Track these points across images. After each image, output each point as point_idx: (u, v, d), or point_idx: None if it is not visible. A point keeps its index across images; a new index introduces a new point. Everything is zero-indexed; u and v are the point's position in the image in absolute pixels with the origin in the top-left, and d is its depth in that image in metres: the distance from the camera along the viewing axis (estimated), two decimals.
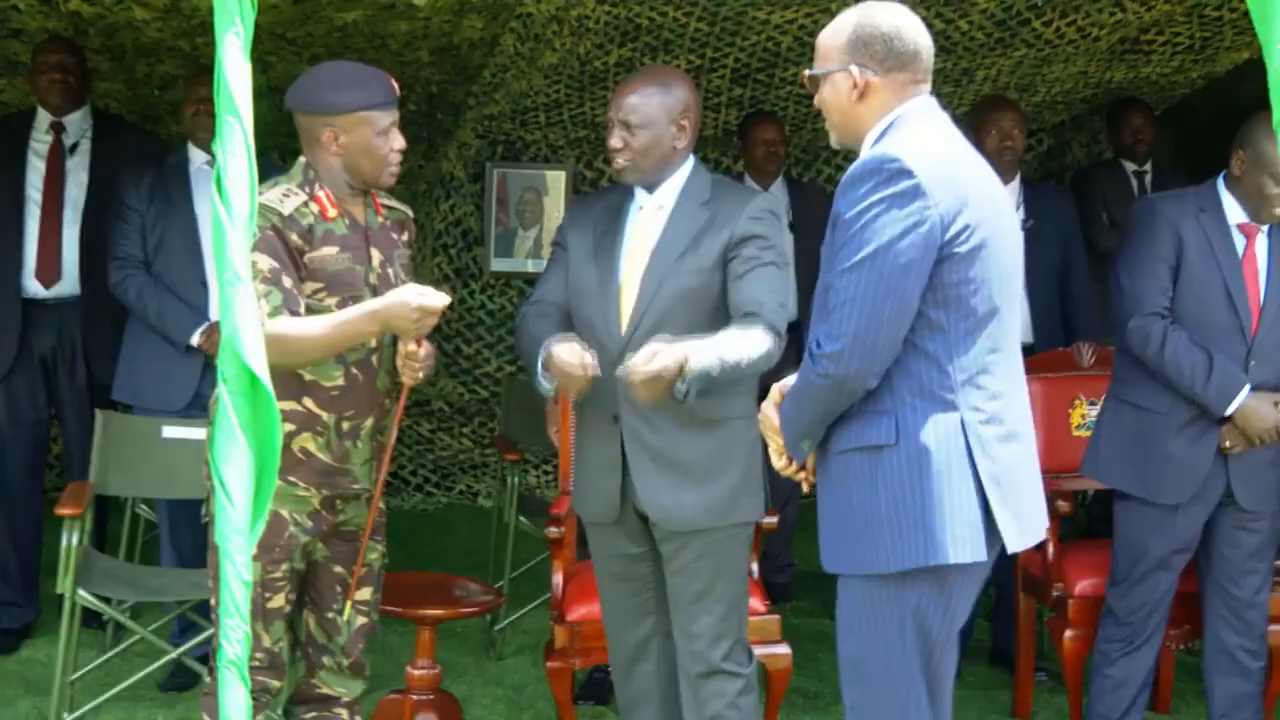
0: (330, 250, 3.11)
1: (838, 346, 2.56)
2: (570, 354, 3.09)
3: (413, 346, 3.11)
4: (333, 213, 3.13)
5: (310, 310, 3.09)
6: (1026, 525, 2.69)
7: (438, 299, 3.03)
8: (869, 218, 2.55)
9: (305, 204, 3.11)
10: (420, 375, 3.13)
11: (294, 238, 3.06)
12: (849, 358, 2.56)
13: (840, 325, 2.56)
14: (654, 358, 2.90)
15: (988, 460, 2.61)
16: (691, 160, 3.33)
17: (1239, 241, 3.73)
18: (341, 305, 3.10)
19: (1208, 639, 3.88)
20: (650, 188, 3.31)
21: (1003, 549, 2.66)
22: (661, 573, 3.37)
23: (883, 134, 2.68)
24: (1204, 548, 3.83)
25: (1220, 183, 3.78)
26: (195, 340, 4.28)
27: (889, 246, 2.53)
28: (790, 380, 2.76)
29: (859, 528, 2.64)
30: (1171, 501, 3.73)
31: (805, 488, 2.83)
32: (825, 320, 2.61)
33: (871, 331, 2.55)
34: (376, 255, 3.19)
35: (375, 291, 3.14)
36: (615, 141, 3.25)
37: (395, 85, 3.17)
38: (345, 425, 3.16)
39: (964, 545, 2.59)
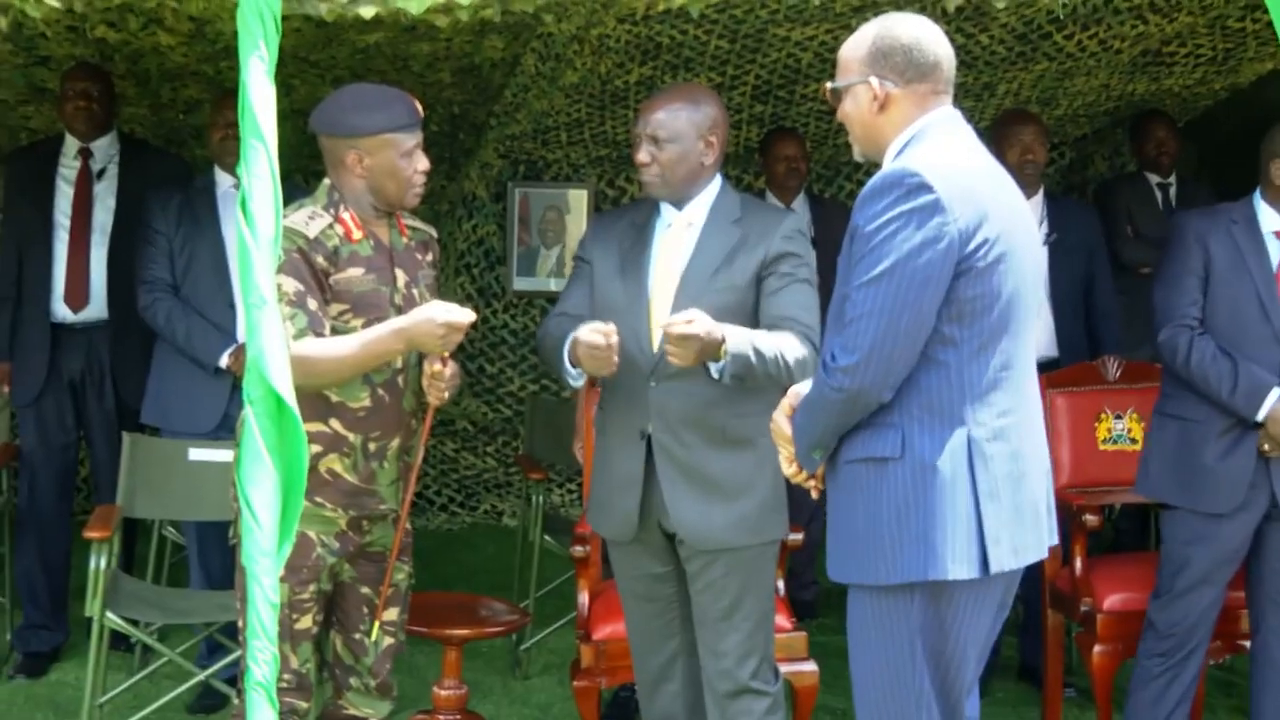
0: (355, 272, 3.13)
1: (853, 360, 2.56)
2: (593, 333, 3.10)
3: (438, 366, 3.12)
4: (358, 234, 3.15)
5: (336, 332, 3.10)
6: (1023, 543, 2.67)
7: (463, 315, 3.05)
8: (888, 232, 2.55)
9: (330, 226, 3.12)
10: (446, 395, 3.14)
11: (319, 260, 3.08)
12: (864, 371, 2.56)
13: (856, 339, 2.56)
14: (693, 322, 2.98)
15: (988, 477, 2.61)
16: (719, 178, 3.34)
17: (1274, 249, 3.72)
18: (367, 326, 3.11)
19: (1257, 654, 3.81)
20: (678, 204, 3.31)
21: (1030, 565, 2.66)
22: (686, 591, 3.36)
23: (904, 146, 2.68)
24: (1253, 560, 3.78)
25: (1257, 194, 3.79)
26: (223, 362, 4.30)
27: (907, 261, 2.53)
28: (802, 389, 2.76)
29: (863, 538, 2.65)
30: (1214, 510, 3.69)
31: (814, 494, 2.84)
32: (840, 333, 2.60)
33: (887, 345, 2.55)
34: (401, 276, 3.20)
35: (400, 312, 3.15)
36: (643, 156, 3.25)
37: (419, 107, 3.18)
38: (372, 446, 3.17)
39: (962, 562, 2.59)
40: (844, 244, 2.69)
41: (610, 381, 3.29)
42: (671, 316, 3.05)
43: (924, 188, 2.55)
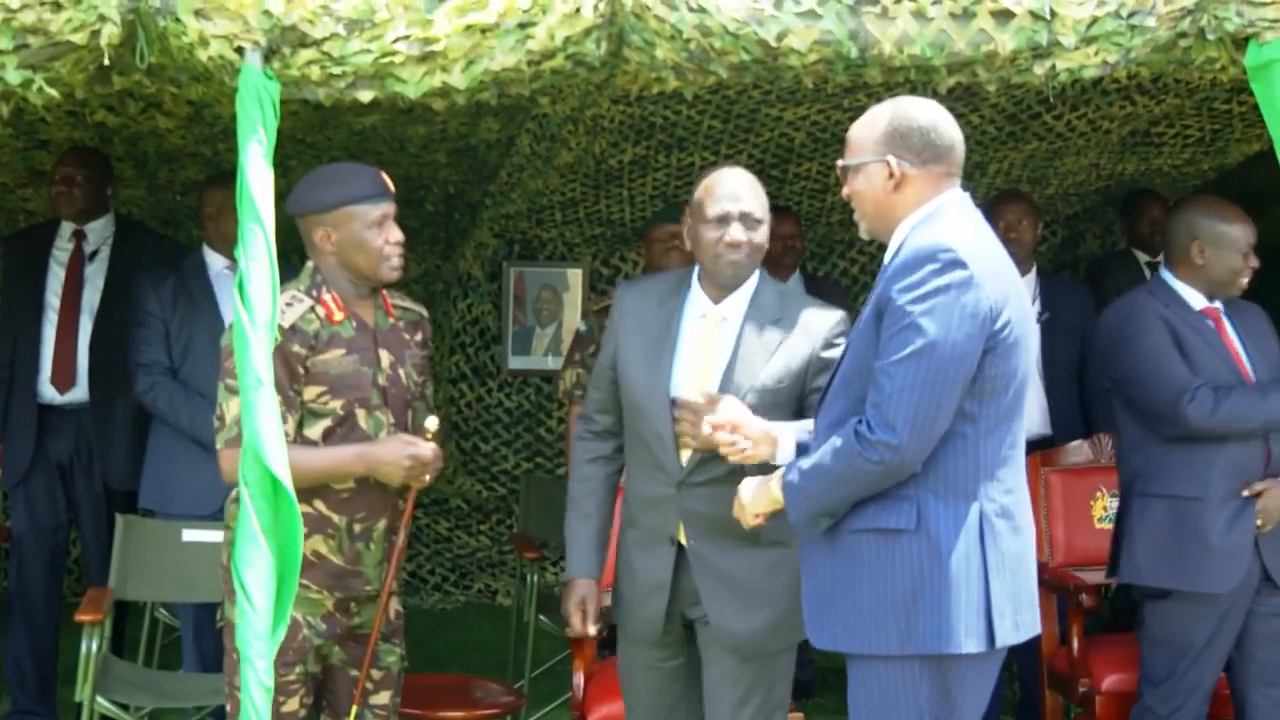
0: (336, 353, 3.12)
1: (895, 437, 2.57)
2: (577, 617, 3.23)
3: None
4: (339, 315, 3.14)
5: (313, 414, 3.10)
6: (1023, 620, 2.70)
7: (428, 450, 3.07)
8: (925, 307, 2.57)
9: (311, 309, 3.12)
10: (427, 479, 3.13)
11: (295, 348, 3.07)
12: (906, 446, 2.57)
13: (896, 413, 2.57)
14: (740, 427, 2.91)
15: (996, 552, 2.64)
16: (759, 270, 3.22)
17: (1210, 326, 3.75)
18: (346, 408, 3.11)
19: None
20: (720, 295, 3.16)
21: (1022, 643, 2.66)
22: (698, 681, 3.28)
23: (920, 223, 2.70)
24: (1238, 645, 3.74)
25: (1167, 274, 3.80)
26: None
27: (946, 337, 2.56)
28: (774, 428, 2.82)
29: (869, 608, 2.65)
30: (1220, 590, 3.64)
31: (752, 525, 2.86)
32: (877, 408, 2.59)
33: (927, 420, 2.57)
34: (386, 356, 3.19)
35: (384, 393, 3.15)
36: (738, 236, 3.09)
37: (385, 178, 3.17)
38: (357, 528, 3.16)
39: (972, 635, 2.62)
40: (865, 313, 2.70)
41: (635, 478, 3.24)
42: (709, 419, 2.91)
43: (959, 263, 2.58)
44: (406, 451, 3.06)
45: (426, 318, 3.37)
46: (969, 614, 2.60)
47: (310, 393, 3.10)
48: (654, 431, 3.14)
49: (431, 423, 3.16)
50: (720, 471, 3.07)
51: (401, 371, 3.21)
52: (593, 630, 3.25)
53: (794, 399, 3.13)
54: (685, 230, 3.23)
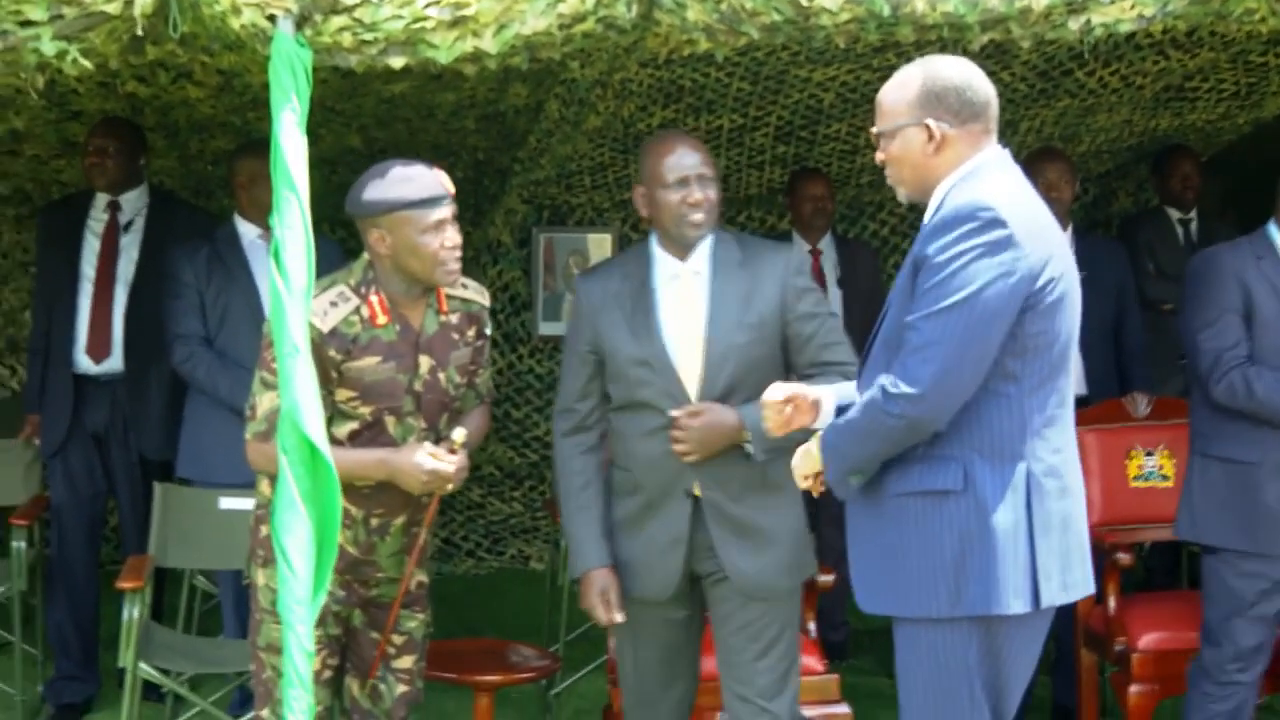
0: (371, 361, 3.08)
1: (918, 389, 2.56)
2: (602, 609, 3.26)
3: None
4: (383, 319, 3.09)
5: (343, 415, 3.09)
6: (1072, 580, 2.70)
7: (448, 466, 3.05)
8: (960, 264, 2.56)
9: (355, 310, 3.07)
10: (450, 487, 3.11)
11: (331, 353, 3.04)
12: (928, 400, 2.57)
13: (921, 367, 2.57)
14: (702, 414, 3.13)
15: (1043, 512, 2.63)
16: None
17: None
18: (376, 414, 3.10)
19: None
20: (683, 253, 3.29)
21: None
22: (698, 636, 3.39)
23: (959, 182, 2.68)
24: None
25: (1271, 228, 3.75)
26: None
27: (979, 294, 2.55)
28: (814, 392, 2.81)
29: (917, 571, 2.65)
30: (1273, 551, 3.63)
31: (816, 493, 2.88)
32: (901, 361, 2.60)
33: (952, 376, 2.56)
34: (426, 362, 3.14)
35: (419, 400, 3.13)
36: (700, 196, 3.23)
37: (444, 180, 3.09)
38: (374, 522, 3.16)
39: (1020, 596, 2.61)
40: (903, 272, 2.70)
41: (639, 444, 3.29)
42: (677, 417, 3.16)
43: (998, 222, 2.57)
44: (427, 465, 3.03)
45: (486, 305, 3.28)
46: (1016, 574, 2.60)
47: (341, 395, 3.08)
48: (661, 390, 3.23)
49: (459, 434, 3.11)
50: None
51: (441, 375, 3.16)
52: (619, 617, 3.28)
53: (777, 333, 3.25)
54: (639, 199, 3.33)
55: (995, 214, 2.57)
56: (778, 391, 2.82)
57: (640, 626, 3.36)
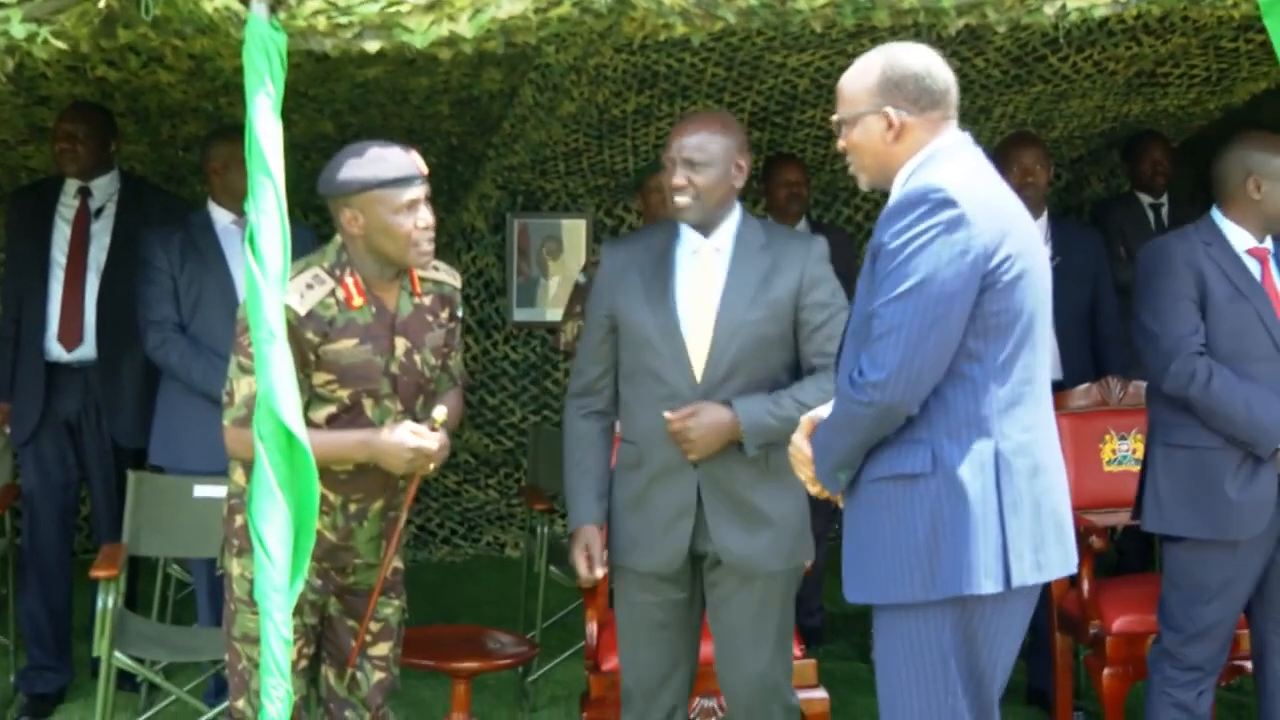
0: (348, 343, 3.06)
1: (882, 375, 2.57)
2: (583, 563, 3.31)
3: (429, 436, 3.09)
4: (358, 301, 3.07)
5: (320, 399, 3.08)
6: (1046, 559, 2.68)
7: (433, 442, 3.04)
8: (914, 248, 2.57)
9: (331, 293, 3.05)
10: (431, 467, 3.10)
11: (308, 335, 3.02)
12: (893, 386, 2.57)
13: (884, 354, 2.57)
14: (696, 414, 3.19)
15: (1012, 491, 2.63)
16: (739, 204, 3.36)
17: (1254, 268, 3.70)
18: (354, 397, 3.08)
19: (1266, 678, 3.73)
20: (706, 230, 3.30)
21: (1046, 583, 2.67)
22: (698, 618, 3.40)
23: (916, 169, 2.69)
24: (1258, 588, 3.74)
25: (1216, 214, 3.74)
26: None
27: (934, 276, 2.55)
28: (821, 411, 2.77)
29: (892, 556, 2.65)
30: (1239, 538, 3.61)
31: (840, 504, 2.85)
32: (868, 349, 2.61)
33: (916, 360, 2.57)
34: (401, 344, 3.13)
35: (395, 382, 3.11)
36: (679, 179, 3.24)
37: (417, 160, 3.08)
38: (353, 507, 3.15)
39: (991, 576, 2.61)
40: (865, 263, 2.70)
41: (644, 413, 3.31)
42: (669, 415, 3.21)
43: (948, 203, 2.57)
44: (410, 443, 3.02)
45: (458, 287, 3.27)
46: (987, 554, 2.60)
47: (319, 378, 3.06)
48: (669, 357, 3.26)
49: (439, 413, 3.11)
50: (734, 389, 3.24)
51: (417, 357, 3.15)
52: (599, 572, 3.34)
53: (790, 316, 3.28)
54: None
55: (945, 194, 2.58)
56: (806, 446, 2.79)
57: (642, 605, 3.38)
